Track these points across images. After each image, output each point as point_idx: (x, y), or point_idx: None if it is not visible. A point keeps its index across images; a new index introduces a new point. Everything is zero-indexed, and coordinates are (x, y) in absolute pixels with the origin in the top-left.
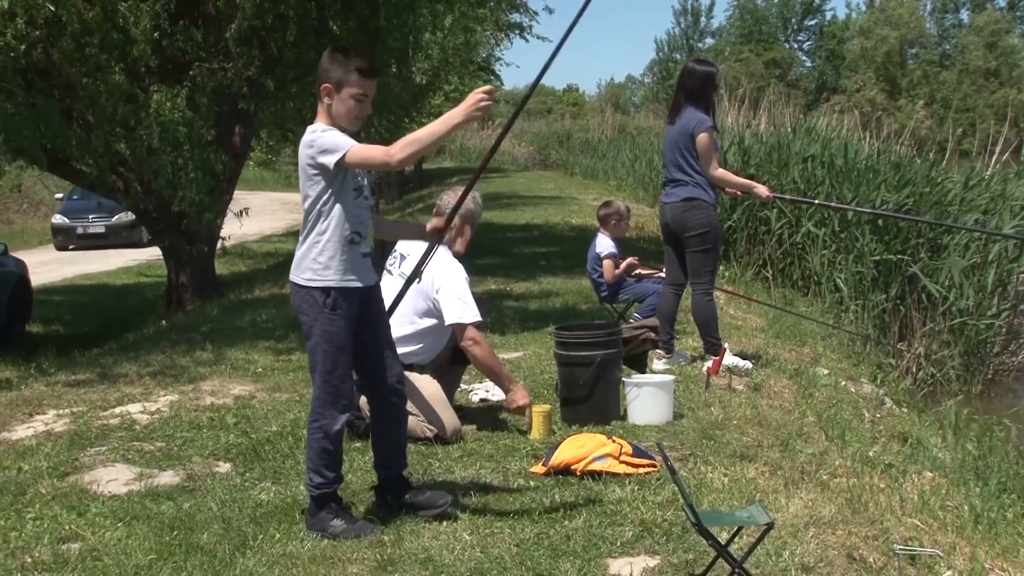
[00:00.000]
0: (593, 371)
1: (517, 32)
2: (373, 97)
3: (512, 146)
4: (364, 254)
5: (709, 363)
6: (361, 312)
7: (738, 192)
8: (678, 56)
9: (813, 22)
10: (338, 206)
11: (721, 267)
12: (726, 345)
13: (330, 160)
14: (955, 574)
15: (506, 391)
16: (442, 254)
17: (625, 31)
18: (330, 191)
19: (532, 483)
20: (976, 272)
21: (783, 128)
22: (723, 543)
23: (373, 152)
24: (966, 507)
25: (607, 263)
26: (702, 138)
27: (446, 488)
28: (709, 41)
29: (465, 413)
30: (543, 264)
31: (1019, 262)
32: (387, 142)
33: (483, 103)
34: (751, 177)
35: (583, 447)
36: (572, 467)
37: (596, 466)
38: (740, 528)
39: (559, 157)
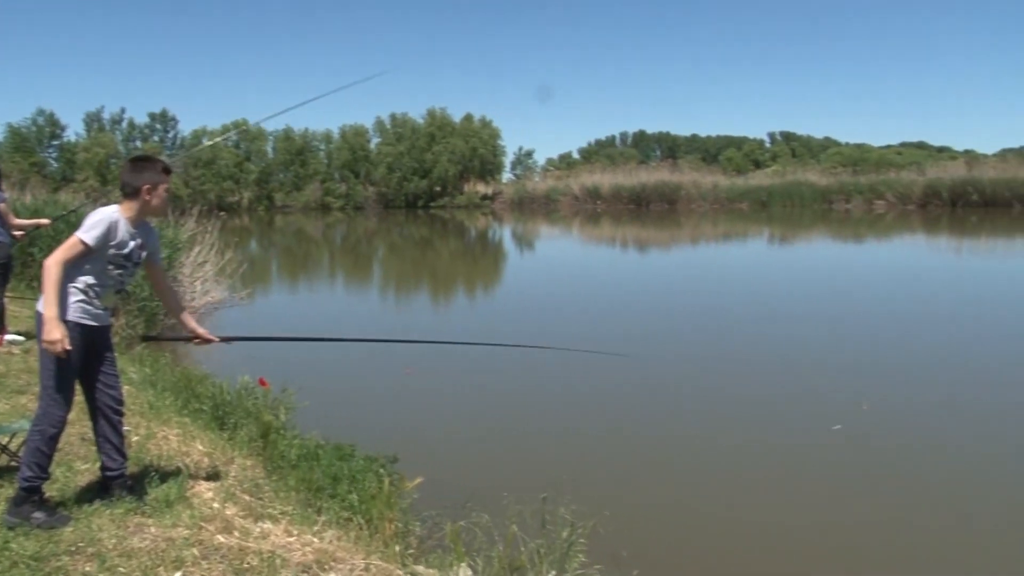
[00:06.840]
0: None
1: None
2: None
3: None
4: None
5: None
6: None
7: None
8: None
9: (57, 143)
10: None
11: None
12: (9, 328)
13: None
14: (140, 437)
15: None
16: None
17: None
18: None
19: None
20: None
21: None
22: (5, 443)
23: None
24: (147, 402)
25: None
26: (2, 207)
27: None
28: None
29: None
30: None
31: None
32: None
33: (55, 346)
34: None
35: None
36: None
37: None
38: (15, 433)
39: None
